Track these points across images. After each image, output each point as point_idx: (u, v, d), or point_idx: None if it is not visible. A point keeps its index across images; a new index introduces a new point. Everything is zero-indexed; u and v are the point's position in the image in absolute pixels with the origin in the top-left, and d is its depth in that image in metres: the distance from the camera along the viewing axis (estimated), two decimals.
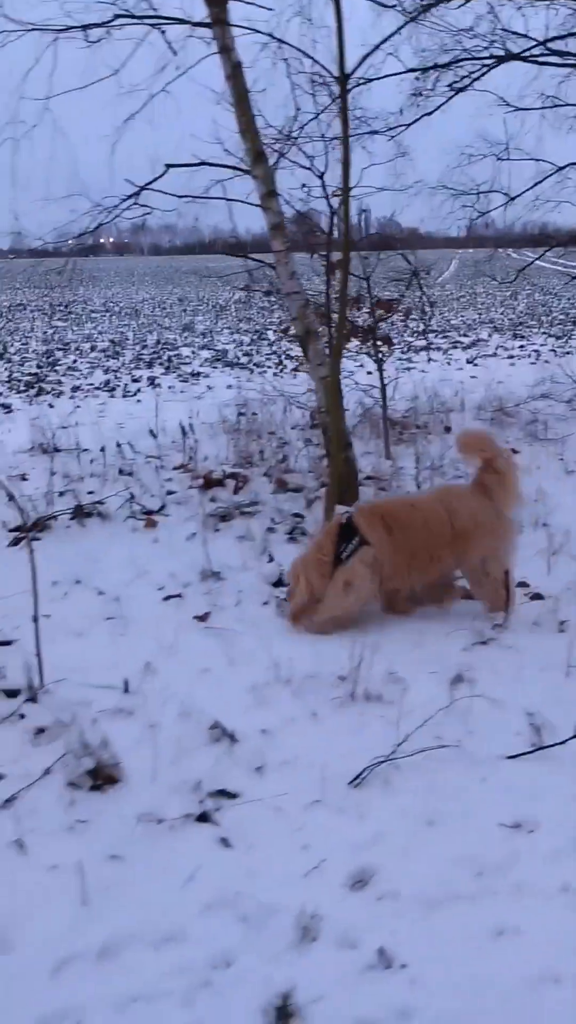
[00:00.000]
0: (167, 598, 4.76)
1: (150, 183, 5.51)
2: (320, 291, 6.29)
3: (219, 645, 4.17)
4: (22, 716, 3.58)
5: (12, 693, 3.73)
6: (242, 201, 5.68)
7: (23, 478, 7.04)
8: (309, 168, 6.46)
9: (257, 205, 5.57)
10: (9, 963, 2.40)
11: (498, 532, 4.31)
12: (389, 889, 2.62)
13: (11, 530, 5.84)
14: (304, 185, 6.77)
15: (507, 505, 4.39)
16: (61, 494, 6.46)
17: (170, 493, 6.54)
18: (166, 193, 5.61)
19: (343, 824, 2.91)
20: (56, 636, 4.12)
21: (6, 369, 14.11)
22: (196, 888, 2.65)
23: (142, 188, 5.51)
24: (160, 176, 5.58)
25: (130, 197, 5.59)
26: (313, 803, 3.01)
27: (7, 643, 4.15)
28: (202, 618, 4.50)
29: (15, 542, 5.66)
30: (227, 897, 2.60)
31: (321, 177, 6.42)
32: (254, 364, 14.02)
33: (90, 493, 6.55)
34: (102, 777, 3.15)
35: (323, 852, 2.77)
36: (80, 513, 6.02)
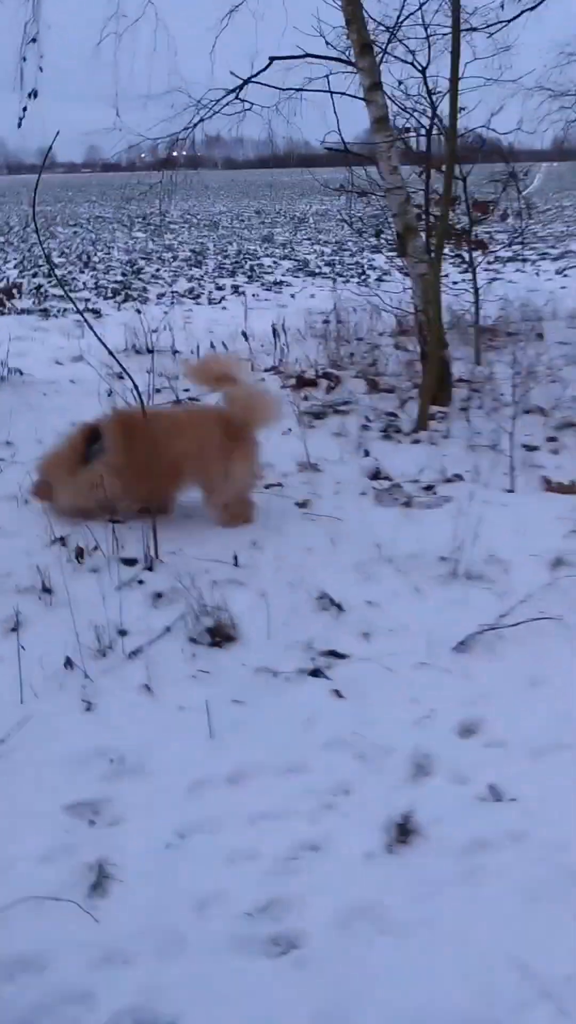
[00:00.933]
0: (268, 486, 4.92)
1: (254, 75, 5.50)
2: (419, 189, 6.24)
3: (321, 528, 4.33)
4: (140, 582, 3.81)
5: (130, 562, 3.96)
6: (345, 94, 5.63)
7: (120, 377, 7.22)
8: (411, 63, 6.35)
9: (360, 98, 5.53)
10: (148, 784, 2.64)
11: (224, 455, 4.27)
12: (496, 738, 2.79)
13: None
14: (401, 82, 6.68)
15: (249, 424, 4.35)
16: (159, 391, 6.64)
17: None
18: (269, 86, 5.59)
19: (450, 683, 3.08)
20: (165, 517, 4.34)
21: (92, 277, 14.26)
22: (314, 729, 2.86)
23: (247, 81, 5.50)
24: (264, 69, 5.57)
25: (234, 91, 5.58)
26: (420, 665, 3.19)
27: (119, 520, 4.37)
28: (302, 504, 4.66)
29: None
30: (344, 738, 2.81)
31: (423, 72, 6.31)
32: (337, 274, 13.92)
33: (186, 391, 6.72)
34: (220, 635, 3.37)
35: (432, 705, 2.96)
36: None
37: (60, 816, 2.50)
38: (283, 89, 5.60)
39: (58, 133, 3.29)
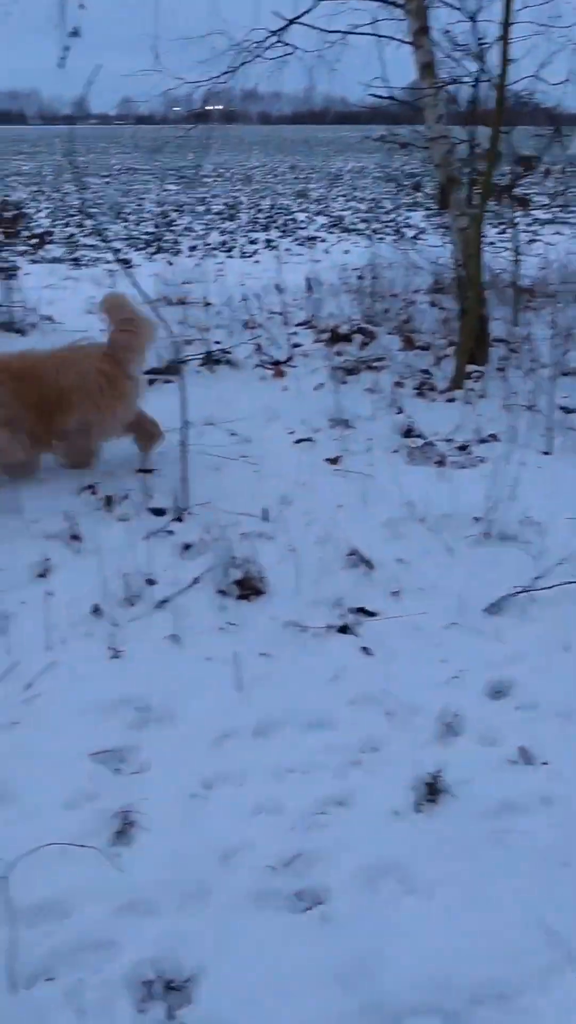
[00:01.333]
0: (298, 441, 4.86)
1: (299, 16, 5.32)
2: (463, 140, 6.05)
3: (352, 484, 4.27)
4: (170, 532, 3.77)
5: (159, 512, 3.92)
6: (392, 38, 5.45)
7: None
8: (459, 8, 6.13)
9: (407, 42, 5.35)
10: (174, 734, 2.62)
11: (104, 394, 4.19)
12: (527, 701, 2.74)
13: (144, 372, 5.98)
14: (448, 30, 6.45)
15: (133, 364, 4.29)
16: (189, 343, 6.55)
17: (296, 346, 6.57)
18: (314, 28, 5.42)
19: (480, 644, 3.03)
20: (195, 469, 4.27)
21: (124, 228, 14.13)
22: (341, 685, 2.83)
23: (291, 21, 5.33)
24: (308, 10, 5.38)
25: (277, 32, 5.41)
26: (450, 625, 3.14)
27: (149, 471, 4.33)
28: (333, 461, 4.59)
29: (148, 383, 5.81)
30: (371, 694, 2.77)
31: (472, 19, 6.09)
32: (372, 231, 13.69)
33: (217, 343, 6.64)
34: (248, 588, 3.33)
35: (461, 665, 2.91)
36: (209, 360, 6.13)
37: (85, 763, 2.48)
38: (328, 31, 5.41)
39: (100, 66, 3.18)
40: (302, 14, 5.34)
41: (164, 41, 6.49)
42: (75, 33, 5.38)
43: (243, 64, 5.72)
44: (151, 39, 6.46)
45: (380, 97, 5.85)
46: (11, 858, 2.11)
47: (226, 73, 5.78)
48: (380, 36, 5.48)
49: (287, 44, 5.69)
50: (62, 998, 1.80)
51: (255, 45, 5.64)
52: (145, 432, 4.48)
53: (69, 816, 2.30)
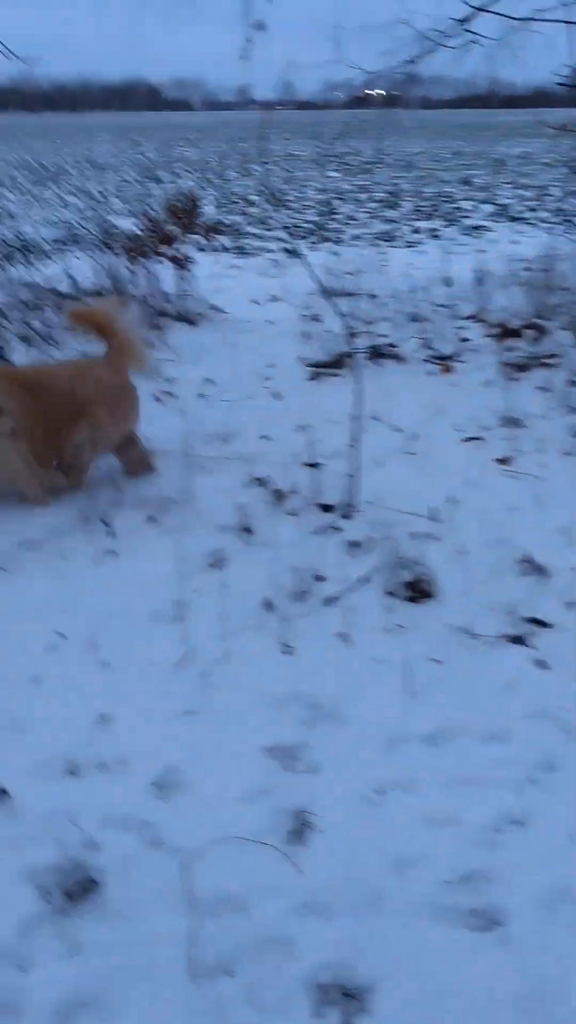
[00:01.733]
0: (467, 439, 4.77)
1: (487, 5, 5.18)
2: None
3: (524, 486, 4.16)
4: (338, 529, 3.77)
5: (327, 508, 3.93)
6: None
7: (316, 319, 7.17)
8: None
9: None
10: (345, 734, 2.62)
11: (115, 401, 4.12)
12: None
13: (309, 365, 6.02)
14: None
15: (128, 370, 4.22)
16: (355, 335, 6.53)
17: (464, 340, 6.45)
18: (499, 14, 5.26)
19: None
20: (361, 465, 4.27)
21: (288, 217, 14.23)
22: (515, 698, 2.75)
23: (479, 10, 5.19)
24: None
25: (463, 21, 5.28)
26: None
27: (316, 465, 4.34)
28: (503, 461, 4.48)
29: (314, 376, 5.84)
30: (547, 710, 2.68)
31: None
32: (539, 219, 13.28)
33: (382, 336, 6.59)
34: (417, 590, 3.29)
35: None
36: (376, 354, 6.09)
37: (260, 758, 2.51)
38: (516, 19, 5.23)
39: (293, 62, 3.17)
40: (492, 1, 5.19)
41: (343, 30, 6.48)
42: (260, 26, 5.42)
43: (428, 53, 5.62)
44: (330, 28, 6.47)
45: (567, 85, 5.63)
46: (190, 848, 2.17)
47: (409, 62, 5.70)
48: (569, 23, 5.27)
49: (472, 32, 5.55)
50: (242, 994, 1.83)
51: (438, 33, 5.53)
52: (135, 460, 4.33)
53: (245, 810, 2.33)
